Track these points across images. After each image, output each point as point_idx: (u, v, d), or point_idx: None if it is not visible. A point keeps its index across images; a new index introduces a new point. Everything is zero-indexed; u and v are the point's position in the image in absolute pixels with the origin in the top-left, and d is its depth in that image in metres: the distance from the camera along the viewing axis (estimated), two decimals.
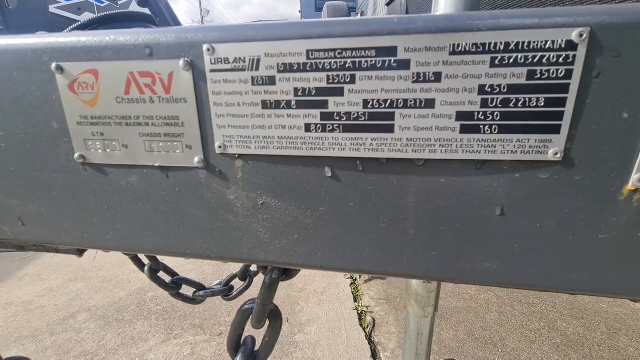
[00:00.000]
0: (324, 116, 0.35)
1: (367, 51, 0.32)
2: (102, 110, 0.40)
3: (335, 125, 0.35)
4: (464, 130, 0.33)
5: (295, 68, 0.34)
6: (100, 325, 2.08)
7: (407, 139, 0.34)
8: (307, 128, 0.36)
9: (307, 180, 0.38)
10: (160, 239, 0.45)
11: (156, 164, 0.41)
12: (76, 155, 0.42)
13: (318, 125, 0.35)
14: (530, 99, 0.31)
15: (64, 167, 0.44)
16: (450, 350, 1.90)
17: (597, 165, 0.32)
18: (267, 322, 0.62)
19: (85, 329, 2.04)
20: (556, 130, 0.31)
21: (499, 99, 0.31)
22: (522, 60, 0.30)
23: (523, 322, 2.11)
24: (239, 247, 0.43)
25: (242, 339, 0.64)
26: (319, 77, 0.34)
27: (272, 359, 0.67)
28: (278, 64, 0.34)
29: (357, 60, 0.33)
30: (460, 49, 0.31)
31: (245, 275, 0.85)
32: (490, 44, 0.30)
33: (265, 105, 0.36)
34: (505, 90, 0.31)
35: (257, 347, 0.65)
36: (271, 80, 0.35)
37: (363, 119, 0.34)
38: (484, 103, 0.32)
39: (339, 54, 0.33)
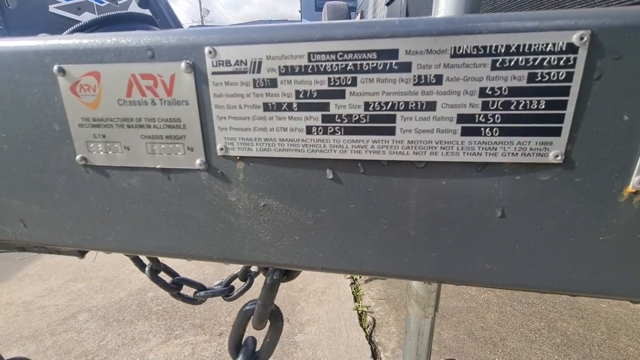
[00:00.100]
0: (325, 118, 0.35)
1: (368, 54, 0.32)
2: (104, 112, 0.40)
3: (336, 128, 0.35)
4: (465, 132, 0.33)
5: (296, 70, 0.34)
6: (100, 325, 2.08)
7: (408, 141, 0.34)
8: (309, 130, 0.36)
9: (308, 182, 0.38)
10: (161, 241, 0.45)
11: (158, 166, 0.41)
12: (78, 157, 0.43)
13: (319, 128, 0.36)
14: (531, 102, 0.31)
15: (65, 168, 0.44)
16: (451, 350, 1.90)
17: (597, 167, 0.32)
18: (268, 323, 0.62)
19: (86, 329, 2.04)
20: (557, 132, 0.31)
21: (500, 102, 0.31)
22: (523, 63, 0.30)
23: (523, 322, 2.11)
24: (240, 249, 0.43)
25: (243, 339, 0.64)
26: (320, 80, 0.34)
27: (273, 359, 0.68)
28: (279, 67, 0.34)
29: (358, 62, 0.33)
30: (461, 51, 0.31)
31: (246, 276, 0.85)
32: (491, 46, 0.30)
33: (266, 107, 0.36)
34: (506, 93, 0.31)
35: (258, 348, 0.65)
36: (272, 83, 0.35)
37: (364, 121, 0.34)
38: (485, 105, 0.32)
39: (340, 56, 0.33)
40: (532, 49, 0.30)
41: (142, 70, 0.37)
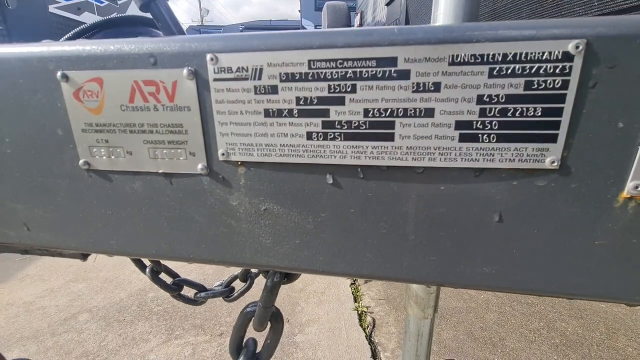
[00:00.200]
0: (326, 124, 0.36)
1: (367, 61, 0.33)
2: (107, 118, 0.41)
3: (336, 134, 0.36)
4: (463, 139, 0.33)
5: (297, 77, 0.35)
6: (101, 325, 2.08)
7: (407, 147, 0.35)
8: (309, 136, 0.36)
9: (308, 186, 0.39)
10: (163, 244, 0.46)
11: (160, 171, 0.42)
12: (81, 161, 0.43)
13: (319, 134, 0.36)
14: (527, 109, 0.31)
15: (68, 173, 0.44)
16: (450, 350, 1.90)
17: (593, 173, 0.33)
18: (269, 325, 0.63)
19: (87, 330, 2.05)
20: (553, 139, 0.32)
21: (497, 109, 0.32)
22: (520, 71, 0.31)
23: (522, 322, 2.11)
24: (241, 252, 0.44)
25: (244, 341, 0.65)
26: (320, 87, 0.34)
27: (273, 359, 0.68)
28: (280, 74, 0.35)
29: (358, 70, 0.33)
30: (459, 59, 0.31)
31: (246, 277, 0.86)
32: (488, 55, 0.31)
33: (267, 113, 0.37)
34: (503, 100, 0.32)
35: (258, 349, 0.65)
36: (273, 89, 0.36)
37: (364, 127, 0.35)
38: (482, 112, 0.32)
39: (340, 64, 0.33)
40: (528, 58, 0.30)
41: (144, 76, 0.38)
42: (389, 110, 0.34)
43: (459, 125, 0.33)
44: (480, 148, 0.33)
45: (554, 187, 0.34)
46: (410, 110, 0.33)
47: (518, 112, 0.32)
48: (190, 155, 0.40)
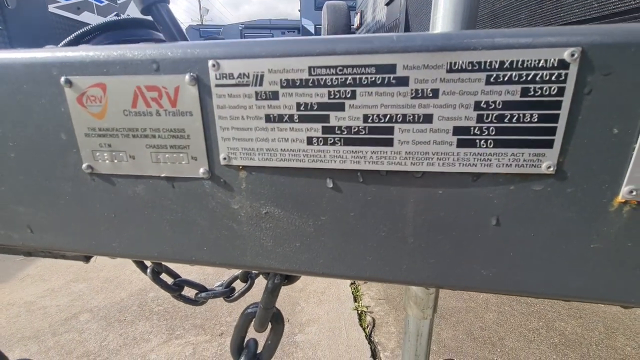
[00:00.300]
0: (326, 130, 0.36)
1: (367, 68, 0.33)
2: (110, 123, 0.41)
3: (336, 139, 0.36)
4: (461, 144, 0.34)
5: (297, 84, 0.35)
6: (102, 325, 2.09)
7: (406, 152, 0.35)
8: (309, 141, 0.37)
9: (309, 190, 0.40)
10: (166, 246, 0.46)
11: (162, 175, 0.42)
12: (84, 165, 0.44)
13: (320, 139, 0.37)
14: (524, 115, 0.32)
15: (72, 176, 0.45)
16: (450, 349, 1.91)
17: (588, 178, 0.33)
18: (270, 325, 0.64)
19: (88, 330, 2.06)
20: (549, 144, 0.32)
21: (494, 115, 0.32)
22: (516, 78, 0.31)
23: (521, 321, 2.12)
24: (242, 254, 0.44)
25: (245, 341, 0.65)
26: (320, 93, 0.35)
27: (273, 359, 0.69)
28: (281, 80, 0.35)
29: (358, 76, 0.34)
30: (456, 66, 0.32)
31: (247, 277, 0.87)
32: (485, 62, 0.31)
33: (268, 119, 0.37)
34: (500, 107, 0.32)
35: (259, 350, 0.66)
36: (274, 95, 0.36)
37: (363, 132, 0.36)
38: (480, 118, 0.33)
39: (340, 70, 0.34)
40: (525, 65, 0.31)
41: (147, 82, 0.39)
42: (388, 116, 0.34)
43: (457, 130, 0.34)
44: (478, 153, 0.34)
45: (550, 192, 0.34)
46: (409, 116, 0.34)
47: (515, 118, 0.32)
48: (192, 160, 0.41)
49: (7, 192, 0.47)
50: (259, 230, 0.43)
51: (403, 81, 0.33)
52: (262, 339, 0.65)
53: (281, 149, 0.38)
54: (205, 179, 0.41)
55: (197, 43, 0.38)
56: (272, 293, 0.57)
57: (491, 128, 0.33)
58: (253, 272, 0.83)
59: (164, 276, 0.78)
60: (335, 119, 0.36)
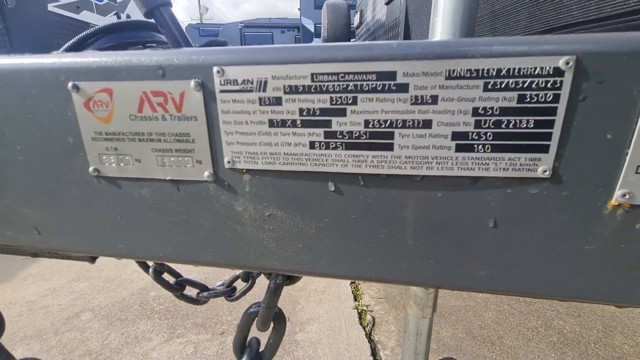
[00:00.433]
0: (328, 134, 0.37)
1: (368, 75, 0.34)
2: (116, 127, 0.42)
3: (338, 143, 0.37)
4: (459, 149, 0.35)
5: (300, 90, 0.36)
6: (103, 324, 2.10)
7: (406, 156, 0.36)
8: (312, 145, 0.38)
9: (311, 193, 0.41)
10: (170, 247, 0.47)
11: (167, 177, 0.43)
12: (91, 168, 0.45)
13: (322, 143, 0.38)
14: (520, 121, 0.33)
15: (78, 179, 0.46)
16: (449, 348, 1.93)
17: (583, 181, 0.34)
18: (272, 325, 0.65)
19: (89, 329, 2.07)
20: (545, 149, 0.33)
21: (492, 121, 0.33)
22: (513, 85, 0.32)
23: (520, 320, 2.14)
24: (246, 255, 0.45)
25: (248, 340, 0.67)
26: (322, 99, 0.36)
27: (274, 358, 0.70)
28: (284, 86, 0.36)
29: (359, 83, 0.35)
30: (455, 74, 0.33)
31: (248, 277, 0.88)
32: (483, 69, 0.32)
33: (271, 123, 0.38)
34: (497, 113, 0.33)
35: (261, 348, 0.67)
36: (277, 101, 0.37)
37: (364, 137, 0.36)
38: (478, 124, 0.34)
39: (342, 77, 0.35)
40: (521, 72, 0.32)
41: (153, 87, 0.39)
42: (389, 121, 0.35)
43: (456, 136, 0.35)
44: (476, 158, 0.35)
45: (545, 195, 0.35)
46: (409, 122, 0.35)
47: (511, 124, 0.33)
48: (197, 163, 0.42)
49: (14, 194, 0.48)
50: (262, 232, 0.44)
51: (403, 88, 0.34)
52: (264, 338, 0.66)
53: (284, 153, 0.39)
54: (209, 182, 0.42)
55: (202, 49, 0.39)
56: (274, 293, 0.58)
57: (489, 133, 0.34)
58: (254, 271, 0.84)
59: (165, 276, 0.79)
60: (337, 124, 0.37)
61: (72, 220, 0.48)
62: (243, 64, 0.37)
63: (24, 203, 0.48)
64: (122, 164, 0.44)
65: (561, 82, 0.31)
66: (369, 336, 2.02)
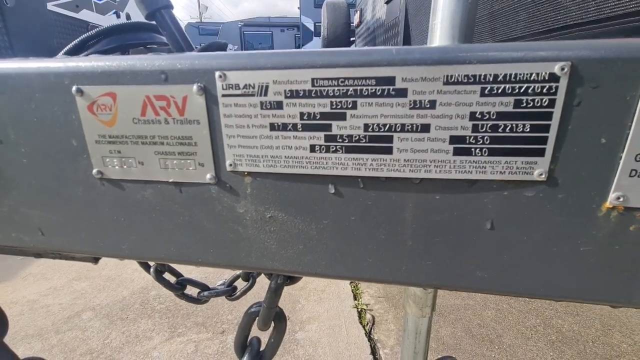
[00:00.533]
0: (328, 138, 0.38)
1: (367, 80, 0.35)
2: (120, 130, 0.43)
3: (338, 147, 0.38)
4: (457, 152, 0.36)
5: (301, 94, 0.37)
6: (104, 323, 2.11)
7: (405, 159, 0.37)
8: (312, 149, 0.39)
9: (311, 195, 0.41)
10: (173, 249, 0.48)
11: (170, 180, 0.44)
12: (94, 170, 0.45)
13: (322, 146, 0.38)
14: (517, 125, 0.34)
15: (82, 181, 0.47)
16: (448, 347, 1.94)
17: (578, 184, 0.35)
18: (272, 324, 0.66)
19: (90, 328, 2.08)
20: (541, 153, 0.34)
21: (489, 125, 0.34)
22: (510, 91, 0.33)
23: (519, 319, 2.15)
24: (247, 256, 0.46)
25: (249, 339, 0.67)
26: (323, 103, 0.37)
27: (275, 356, 0.71)
28: (285, 90, 0.37)
29: (359, 88, 0.35)
30: (453, 79, 0.33)
31: (248, 277, 0.89)
32: (480, 75, 0.33)
33: (273, 127, 0.39)
34: (494, 117, 0.34)
35: (262, 348, 0.68)
36: (279, 105, 0.38)
37: (364, 141, 0.37)
38: (475, 128, 0.34)
39: (342, 82, 0.36)
40: (517, 78, 0.32)
41: (156, 92, 0.40)
42: (388, 125, 0.36)
43: (453, 139, 0.35)
44: (473, 161, 0.36)
45: (541, 198, 0.36)
46: (408, 126, 0.36)
47: (508, 128, 0.34)
48: (200, 166, 0.42)
49: (19, 196, 0.49)
50: (263, 233, 0.44)
51: (402, 92, 0.35)
52: (265, 337, 0.67)
53: (285, 156, 0.40)
54: (211, 184, 0.43)
55: (204, 54, 0.40)
56: (275, 293, 0.59)
57: (486, 137, 0.35)
58: (255, 271, 0.85)
59: (166, 275, 0.80)
60: (337, 128, 0.37)
61: (75, 222, 0.49)
62: (245, 68, 0.37)
63: (28, 204, 0.49)
64: (125, 167, 0.45)
65: (556, 87, 0.32)
66: (368, 335, 2.03)
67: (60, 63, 0.42)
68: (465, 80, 0.33)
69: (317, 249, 0.43)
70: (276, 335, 0.66)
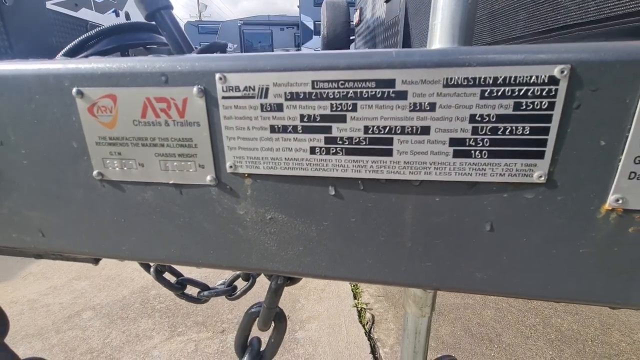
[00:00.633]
0: (328, 140, 0.38)
1: (367, 82, 0.35)
2: (120, 132, 0.43)
3: (338, 149, 0.38)
4: (457, 154, 0.36)
5: (301, 96, 0.37)
6: (105, 323, 2.12)
7: (405, 162, 0.37)
8: (312, 151, 0.39)
9: (312, 197, 0.41)
10: (173, 250, 0.48)
11: (170, 181, 0.44)
12: (95, 172, 0.45)
13: (322, 148, 0.38)
14: (516, 128, 0.34)
15: (82, 183, 0.47)
16: (448, 345, 1.94)
17: (577, 186, 0.35)
18: (272, 324, 0.66)
19: (91, 327, 2.08)
20: (540, 155, 0.34)
21: (488, 127, 0.34)
22: (509, 93, 0.33)
23: (519, 318, 2.16)
24: (248, 258, 0.46)
25: (249, 340, 0.68)
26: (323, 105, 0.37)
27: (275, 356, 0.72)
28: (285, 93, 0.37)
29: (359, 90, 0.35)
30: (453, 82, 0.33)
31: (248, 276, 0.89)
32: (480, 77, 0.33)
33: (273, 129, 0.39)
34: (494, 120, 0.34)
35: (262, 348, 0.68)
36: (279, 107, 0.38)
37: (364, 143, 0.37)
38: (475, 131, 0.35)
39: (342, 84, 0.36)
40: (517, 81, 0.32)
41: (156, 93, 0.40)
42: (388, 127, 0.36)
43: (453, 142, 0.35)
44: (473, 163, 0.36)
45: (541, 200, 0.36)
46: (408, 128, 0.36)
47: (508, 130, 0.34)
48: (200, 168, 0.42)
49: (19, 197, 0.49)
50: (263, 235, 0.44)
51: (402, 95, 0.35)
52: (265, 337, 0.67)
53: (285, 158, 0.40)
54: (212, 186, 0.43)
55: (204, 56, 0.40)
56: (275, 293, 0.59)
57: (485, 140, 0.35)
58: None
59: (166, 275, 0.80)
60: (337, 130, 0.37)
61: (76, 223, 0.49)
62: (245, 71, 0.38)
63: (29, 206, 0.49)
64: (125, 168, 0.45)
65: (556, 90, 0.32)
66: (368, 334, 2.03)
67: (60, 65, 0.42)
68: (465, 83, 0.33)
69: (317, 250, 0.44)
70: (276, 335, 0.66)
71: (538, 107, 0.33)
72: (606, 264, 0.37)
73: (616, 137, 0.33)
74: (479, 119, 0.34)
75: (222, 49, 0.82)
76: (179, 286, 0.85)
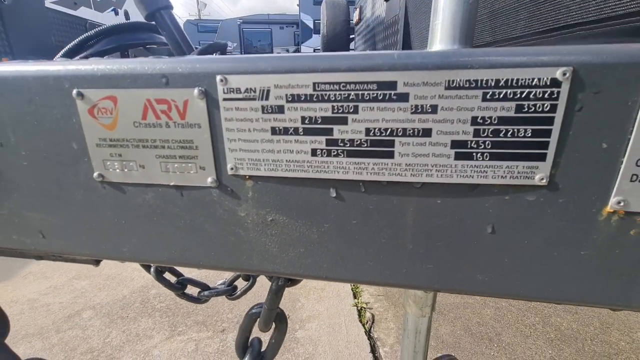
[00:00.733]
0: (329, 142, 0.38)
1: (369, 85, 0.35)
2: (120, 134, 0.43)
3: (339, 151, 0.38)
4: (458, 157, 0.36)
5: (302, 98, 0.37)
6: (105, 322, 2.12)
7: (406, 164, 0.37)
8: (313, 153, 0.39)
9: (313, 199, 0.41)
10: (174, 251, 0.48)
11: (171, 183, 0.44)
12: (95, 174, 0.45)
13: (323, 150, 0.38)
14: (518, 130, 0.34)
15: (83, 184, 0.47)
16: (447, 345, 1.95)
17: (579, 189, 0.35)
18: (273, 325, 0.66)
19: (91, 326, 2.08)
20: (542, 158, 0.34)
21: (490, 130, 0.34)
22: (511, 95, 0.33)
23: (518, 317, 2.16)
24: (249, 259, 0.46)
25: (250, 340, 0.68)
26: (324, 107, 0.37)
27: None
28: (286, 95, 0.37)
29: (360, 92, 0.35)
30: (454, 84, 0.33)
31: (249, 276, 0.89)
32: (482, 80, 0.33)
33: (274, 131, 0.39)
34: (495, 122, 0.34)
35: (263, 348, 0.68)
36: (280, 109, 0.38)
37: (365, 145, 0.37)
38: (476, 133, 0.34)
39: (343, 86, 0.35)
40: (519, 83, 0.32)
41: (157, 95, 0.40)
42: (389, 129, 0.36)
43: (455, 144, 0.35)
44: (475, 165, 0.36)
45: (542, 202, 0.36)
46: (409, 130, 0.36)
47: (509, 133, 0.34)
48: (201, 169, 0.42)
49: (20, 199, 0.49)
50: (264, 237, 0.44)
51: (403, 97, 0.35)
52: (266, 338, 0.67)
53: (286, 160, 0.40)
54: (213, 188, 0.43)
55: (205, 58, 0.39)
56: (276, 294, 0.59)
57: (487, 142, 0.35)
58: None
59: (167, 275, 0.80)
60: (338, 132, 0.37)
61: (76, 225, 0.49)
62: (246, 72, 0.37)
63: (29, 207, 0.49)
64: (126, 170, 0.44)
65: (558, 92, 0.32)
66: (368, 333, 2.03)
67: (60, 66, 0.42)
68: (467, 85, 0.33)
69: (318, 252, 0.44)
70: (277, 336, 0.66)
71: (540, 109, 0.33)
72: (607, 266, 0.37)
73: (618, 139, 0.33)
74: (481, 121, 0.34)
75: (222, 49, 0.82)
76: (179, 286, 0.85)
